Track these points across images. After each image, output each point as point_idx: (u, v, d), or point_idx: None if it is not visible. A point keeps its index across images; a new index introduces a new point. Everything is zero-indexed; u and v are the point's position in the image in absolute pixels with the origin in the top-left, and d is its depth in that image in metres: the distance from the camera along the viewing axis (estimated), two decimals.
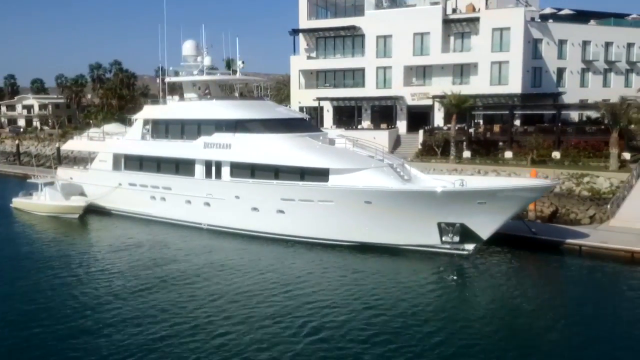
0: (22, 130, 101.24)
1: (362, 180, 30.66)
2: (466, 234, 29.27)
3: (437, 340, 20.18)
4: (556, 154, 45.77)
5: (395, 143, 55.91)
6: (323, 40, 64.83)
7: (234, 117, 36.12)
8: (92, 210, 42.18)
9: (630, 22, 68.90)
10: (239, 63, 40.19)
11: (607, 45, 63.05)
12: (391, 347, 19.57)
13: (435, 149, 50.68)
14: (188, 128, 38.45)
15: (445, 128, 54.19)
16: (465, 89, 53.88)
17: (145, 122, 41.37)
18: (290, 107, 58.95)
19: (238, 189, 34.79)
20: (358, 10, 62.29)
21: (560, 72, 60.99)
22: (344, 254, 30.67)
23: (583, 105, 56.17)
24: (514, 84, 55.41)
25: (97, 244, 35.02)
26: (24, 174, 61.75)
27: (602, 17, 69.95)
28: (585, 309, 23.27)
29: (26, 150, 79.22)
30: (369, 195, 30.15)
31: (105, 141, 44.11)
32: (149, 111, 42.18)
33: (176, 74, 43.98)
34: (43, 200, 42.81)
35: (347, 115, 63.21)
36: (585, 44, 61.68)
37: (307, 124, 39.10)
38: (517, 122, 53.96)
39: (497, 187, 29.26)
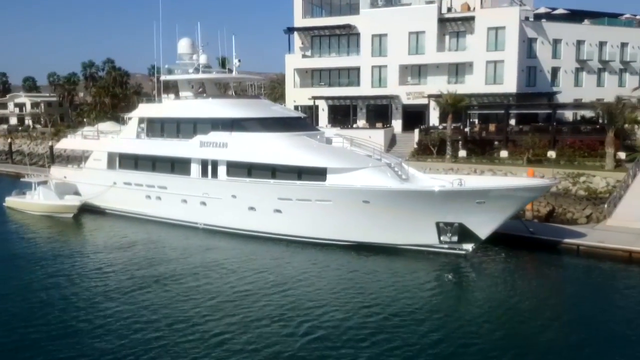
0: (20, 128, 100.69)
1: (360, 179, 30.54)
2: (464, 233, 29.22)
3: (435, 339, 20.16)
4: (552, 154, 45.75)
5: (391, 142, 55.83)
6: (318, 38, 64.64)
7: (231, 115, 35.90)
8: (87, 210, 41.89)
9: (624, 22, 69.13)
10: (235, 61, 39.94)
11: (601, 44, 63.23)
12: (388, 347, 19.52)
13: (431, 148, 50.66)
14: (184, 127, 38.18)
15: (440, 127, 54.14)
16: (461, 88, 53.89)
17: (141, 120, 41.08)
18: (285, 106, 58.71)
19: (235, 189, 34.58)
20: (353, 9, 62.14)
21: (555, 71, 61.12)
22: (342, 254, 30.54)
23: (579, 105, 56.27)
24: (509, 83, 55.45)
25: (92, 243, 34.66)
26: (17, 172, 61.36)
27: (596, 16, 70.09)
28: (583, 308, 23.29)
29: (18, 149, 78.61)
30: (367, 195, 30.03)
31: (100, 140, 43.78)
32: (144, 109, 41.91)
33: (169, 72, 43.72)
34: (37, 200, 42.43)
35: (342, 114, 63.05)
36: (579, 43, 61.85)
37: (304, 122, 38.96)
38: (512, 122, 53.99)
39: (496, 187, 29.22)
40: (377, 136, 50.06)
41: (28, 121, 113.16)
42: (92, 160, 43.68)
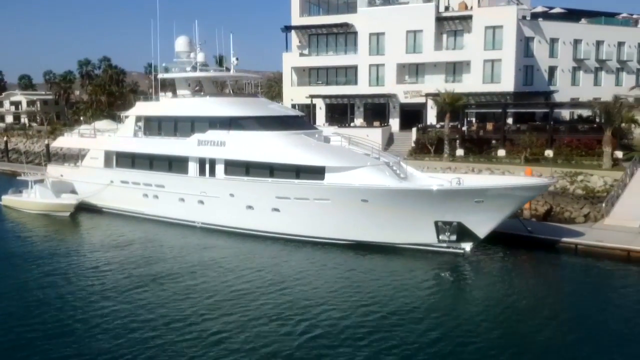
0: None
1: (359, 178, 30.47)
2: (463, 232, 29.20)
3: (433, 338, 20.17)
4: (549, 153, 45.87)
5: (388, 141, 55.80)
6: (315, 37, 64.52)
7: (228, 114, 35.81)
8: (84, 208, 41.73)
9: (621, 21, 69.24)
10: (233, 60, 39.80)
11: (598, 44, 63.27)
12: (386, 346, 19.52)
13: (429, 147, 50.64)
14: (181, 125, 38.06)
15: (438, 126, 54.16)
16: (458, 87, 53.83)
17: (138, 118, 40.93)
18: (282, 104, 58.60)
19: (232, 187, 34.49)
20: (351, 7, 62.02)
21: (552, 70, 61.13)
22: (340, 253, 30.48)
23: (576, 104, 56.30)
24: (507, 82, 55.43)
25: (89, 242, 34.56)
26: (12, 171, 61.09)
27: (593, 15, 70.23)
28: (581, 307, 23.33)
29: (14, 147, 78.26)
30: (365, 194, 29.98)
31: (97, 138, 43.64)
32: (142, 108, 41.75)
33: (166, 70, 43.62)
34: (33, 198, 42.25)
35: (339, 112, 62.92)
36: (576, 42, 61.84)
37: (302, 121, 38.88)
38: (509, 121, 54.03)
39: (494, 186, 29.20)
40: (375, 135, 49.98)
41: (24, 119, 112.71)
42: (89, 158, 43.53)
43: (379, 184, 29.98)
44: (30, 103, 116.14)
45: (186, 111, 38.47)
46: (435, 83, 56.35)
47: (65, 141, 48.48)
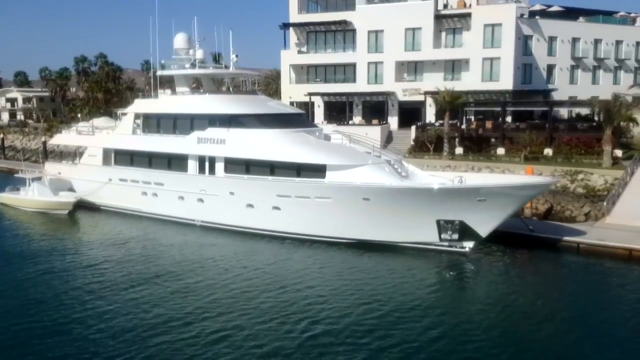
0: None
1: (360, 176, 30.33)
2: (465, 231, 29.10)
3: (434, 336, 20.16)
4: (548, 151, 45.86)
5: (387, 139, 55.70)
6: (314, 34, 64.37)
7: (228, 111, 35.60)
8: (82, 206, 41.49)
9: (619, 20, 69.29)
10: (233, 57, 39.58)
11: (596, 42, 63.32)
12: (388, 344, 19.50)
13: (428, 145, 50.54)
14: (181, 123, 37.83)
15: (437, 124, 54.06)
16: (457, 85, 53.75)
17: (136, 116, 40.67)
18: (280, 102, 58.39)
19: (232, 185, 34.30)
20: (349, 5, 61.88)
21: (550, 69, 61.11)
22: (341, 252, 30.38)
23: (576, 102, 56.24)
24: (505, 81, 55.36)
25: (87, 240, 34.26)
26: (9, 168, 60.76)
27: (591, 14, 70.27)
28: (584, 306, 23.27)
29: (11, 144, 77.81)
30: (367, 192, 29.84)
31: (95, 135, 43.37)
32: (140, 105, 41.48)
33: (163, 67, 43.39)
34: (31, 196, 42.02)
35: (337, 110, 62.79)
36: (574, 41, 61.86)
37: (302, 119, 38.74)
38: (508, 119, 53.97)
39: (496, 185, 29.11)
40: (374, 133, 49.89)
41: (20, 116, 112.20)
42: (87, 156, 43.24)
43: (381, 183, 29.83)
44: (26, 100, 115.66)
45: (185, 109, 38.23)
46: (434, 81, 56.25)
47: (63, 138, 48.19)
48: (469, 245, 29.62)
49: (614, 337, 20.35)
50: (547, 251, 30.07)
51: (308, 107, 61.08)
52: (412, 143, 52.97)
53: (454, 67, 58.23)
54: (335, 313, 22.08)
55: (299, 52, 64.47)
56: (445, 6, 60.19)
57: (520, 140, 47.33)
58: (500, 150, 47.71)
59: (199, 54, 40.88)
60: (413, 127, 54.13)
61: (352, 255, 29.79)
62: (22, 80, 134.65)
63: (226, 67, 42.08)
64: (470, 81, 56.19)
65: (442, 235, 29.56)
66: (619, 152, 44.37)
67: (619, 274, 27.13)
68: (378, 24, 59.02)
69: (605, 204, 34.04)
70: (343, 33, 62.81)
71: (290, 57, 64.50)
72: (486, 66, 56.29)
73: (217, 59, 57.98)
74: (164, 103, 40.10)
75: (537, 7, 69.77)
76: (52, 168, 46.07)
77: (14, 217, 40.08)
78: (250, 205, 33.61)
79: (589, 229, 31.79)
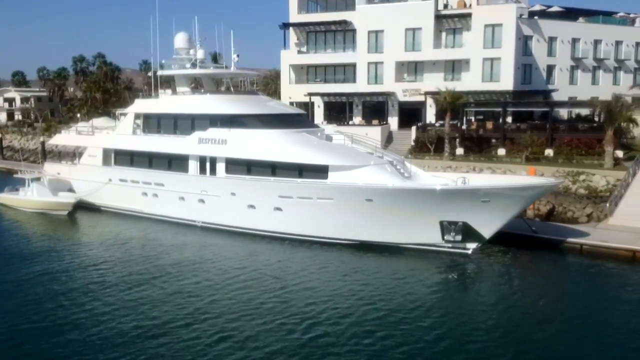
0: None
1: (363, 177, 30.20)
2: (468, 232, 28.99)
3: (437, 336, 20.16)
4: (549, 152, 45.78)
5: (387, 139, 55.57)
6: (314, 34, 64.20)
7: (229, 112, 35.45)
8: (82, 207, 41.33)
9: (618, 20, 69.23)
10: (234, 57, 39.41)
11: (596, 42, 63.26)
12: (390, 344, 19.48)
13: (429, 146, 50.41)
14: (181, 123, 37.65)
15: (437, 125, 53.93)
16: (457, 86, 53.55)
17: (137, 116, 40.49)
18: (280, 102, 58.22)
19: (234, 186, 34.14)
20: (349, 5, 61.72)
21: (550, 69, 60.99)
22: (343, 253, 30.28)
23: (577, 103, 56.17)
24: (506, 81, 55.24)
25: (87, 241, 34.09)
26: (8, 168, 60.45)
27: (590, 14, 70.20)
28: (587, 307, 23.22)
29: (9, 145, 77.48)
30: (370, 193, 29.70)
31: (95, 136, 43.16)
32: (141, 105, 41.29)
33: (162, 67, 43.18)
34: (30, 196, 41.80)
35: (337, 111, 62.62)
36: (574, 41, 61.75)
37: (304, 119, 38.67)
38: (508, 119, 53.88)
39: (501, 186, 29.01)
40: (374, 133, 49.75)
41: (18, 116, 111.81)
42: (87, 156, 43.03)
43: (384, 183, 29.70)
44: (24, 100, 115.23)
45: (186, 109, 38.06)
46: (435, 81, 56.11)
47: (63, 139, 47.97)
48: (472, 246, 29.51)
49: (616, 338, 20.32)
50: (550, 252, 30.03)
51: (308, 107, 60.92)
52: (412, 143, 52.82)
53: (454, 67, 58.10)
54: (338, 314, 22.02)
55: (299, 52, 64.30)
56: (446, 6, 60.03)
57: (521, 141, 47.22)
58: (501, 151, 47.60)
59: (200, 53, 40.74)
60: (413, 128, 53.99)
61: (354, 257, 29.69)
62: (19, 80, 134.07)
63: (226, 66, 41.88)
64: (470, 81, 56.06)
65: (445, 237, 29.46)
66: (620, 153, 44.29)
67: (622, 275, 27.09)
68: (378, 24, 58.86)
69: (607, 205, 33.98)
70: (343, 33, 62.65)
71: (290, 57, 64.32)
72: (486, 66, 56.15)
73: (216, 58, 57.76)
74: (164, 103, 39.92)
75: (537, 7, 69.72)
76: (51, 168, 45.86)
77: (13, 218, 39.88)
78: (252, 206, 33.45)
79: (592, 230, 31.72)
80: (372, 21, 59.15)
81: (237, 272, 27.23)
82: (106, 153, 41.33)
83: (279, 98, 65.06)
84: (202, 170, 35.79)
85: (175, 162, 37.04)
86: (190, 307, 22.69)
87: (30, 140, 77.09)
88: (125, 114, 42.15)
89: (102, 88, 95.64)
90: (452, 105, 49.08)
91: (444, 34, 58.81)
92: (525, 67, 59.02)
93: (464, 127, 52.15)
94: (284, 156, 32.24)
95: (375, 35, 59.64)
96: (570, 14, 67.86)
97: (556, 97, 58.35)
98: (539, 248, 30.30)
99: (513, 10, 55.40)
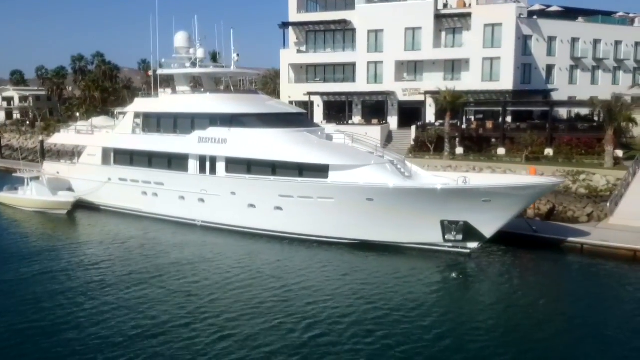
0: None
1: (363, 177, 30.13)
2: (469, 232, 28.93)
3: (438, 335, 20.13)
4: (549, 151, 45.79)
5: (387, 139, 55.53)
6: (313, 34, 64.16)
7: (230, 111, 35.37)
8: (81, 206, 41.21)
9: (618, 20, 69.26)
10: (234, 56, 39.34)
11: (595, 42, 63.28)
12: (391, 342, 19.46)
13: (428, 145, 50.39)
14: (181, 122, 37.57)
15: (437, 124, 53.90)
16: (457, 85, 53.48)
17: (136, 115, 40.38)
18: (279, 101, 58.13)
19: (234, 185, 34.07)
20: (349, 4, 61.73)
21: (550, 69, 60.98)
22: (344, 252, 30.22)
23: (577, 102, 56.18)
24: (505, 81, 55.23)
25: (86, 240, 34.00)
26: (7, 167, 60.32)
27: (590, 14, 70.24)
28: (588, 307, 23.19)
29: (8, 144, 77.33)
30: (370, 193, 29.65)
31: (94, 135, 43.04)
32: (140, 104, 41.18)
33: (160, 66, 43.06)
34: (29, 195, 41.68)
35: (337, 110, 62.60)
36: (574, 41, 61.75)
37: (304, 118, 38.62)
38: (508, 119, 53.85)
39: (502, 185, 28.95)
40: (374, 133, 49.77)
41: (16, 115, 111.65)
42: (86, 155, 42.91)
43: (384, 183, 29.63)
44: (23, 99, 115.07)
45: (186, 108, 37.99)
46: (434, 81, 56.10)
47: (62, 138, 47.85)
48: (472, 246, 29.46)
49: (616, 337, 20.29)
50: (551, 252, 29.97)
51: (307, 106, 60.86)
52: (412, 143, 52.79)
53: (454, 67, 58.09)
54: (338, 313, 21.98)
55: (299, 51, 64.29)
56: (445, 6, 60.02)
57: (521, 141, 47.23)
58: (501, 151, 47.60)
59: (200, 52, 40.63)
60: (413, 127, 53.96)
61: (354, 256, 29.64)
62: (18, 79, 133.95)
63: (225, 66, 41.79)
64: (470, 81, 56.04)
65: (446, 236, 29.40)
66: (620, 153, 44.31)
67: (622, 275, 27.05)
68: (378, 24, 58.83)
69: (608, 204, 33.97)
70: (343, 32, 62.62)
71: (290, 56, 64.28)
72: (486, 66, 56.14)
73: (216, 58, 57.70)
74: (164, 102, 39.83)
75: (537, 7, 69.72)
76: (50, 167, 45.74)
77: (12, 217, 39.79)
78: (252, 206, 33.38)
79: (592, 229, 31.70)
80: (371, 21, 59.11)
81: (237, 271, 27.17)
82: (105, 152, 41.23)
83: (279, 97, 64.97)
84: (202, 169, 35.71)
85: (175, 162, 36.95)
86: (190, 306, 22.64)
87: (29, 139, 76.96)
88: (124, 113, 42.07)
89: (101, 87, 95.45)
90: (452, 104, 49.06)
91: (443, 34, 58.79)
92: (524, 67, 59.03)
93: (463, 126, 52.14)
94: (284, 155, 32.17)
95: (375, 35, 59.61)
96: (569, 14, 67.89)
97: (556, 96, 58.33)
98: (540, 248, 30.26)
99: (513, 10, 55.39)
